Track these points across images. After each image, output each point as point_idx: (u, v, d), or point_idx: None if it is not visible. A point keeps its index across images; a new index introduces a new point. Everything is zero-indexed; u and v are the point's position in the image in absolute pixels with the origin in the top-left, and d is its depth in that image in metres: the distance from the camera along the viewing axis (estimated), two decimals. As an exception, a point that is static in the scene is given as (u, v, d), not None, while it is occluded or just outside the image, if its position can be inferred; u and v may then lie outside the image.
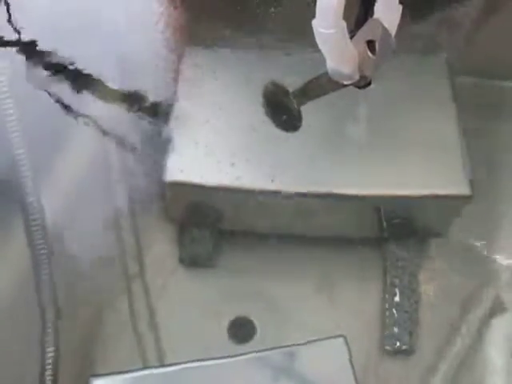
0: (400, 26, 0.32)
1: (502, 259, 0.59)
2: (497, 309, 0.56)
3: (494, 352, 0.54)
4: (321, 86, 0.33)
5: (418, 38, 0.60)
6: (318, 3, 0.28)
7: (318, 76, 0.33)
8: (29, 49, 0.58)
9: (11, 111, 0.50)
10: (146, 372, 0.46)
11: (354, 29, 0.29)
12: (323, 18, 0.28)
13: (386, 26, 0.28)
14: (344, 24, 0.28)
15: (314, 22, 0.29)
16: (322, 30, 0.29)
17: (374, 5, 0.28)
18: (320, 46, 0.30)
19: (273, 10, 0.58)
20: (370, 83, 0.31)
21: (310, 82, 0.35)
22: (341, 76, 0.31)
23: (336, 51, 0.30)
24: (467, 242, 0.59)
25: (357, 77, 0.31)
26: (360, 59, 0.30)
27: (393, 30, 0.29)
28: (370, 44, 0.29)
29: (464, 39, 0.65)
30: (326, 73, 0.32)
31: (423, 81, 0.57)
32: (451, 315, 0.55)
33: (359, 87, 0.32)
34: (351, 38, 0.29)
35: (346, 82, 0.31)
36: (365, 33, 0.29)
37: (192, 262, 0.58)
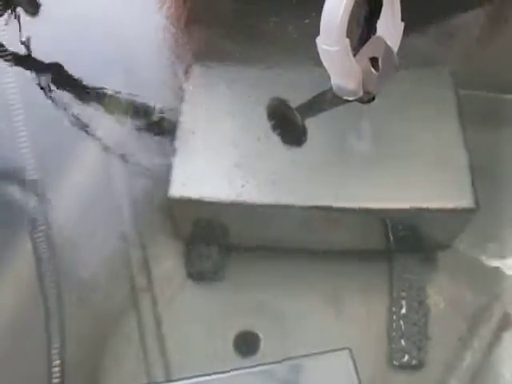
0: (403, 40, 0.32)
1: (509, 272, 0.58)
2: (507, 323, 0.56)
3: (504, 367, 0.54)
4: (325, 101, 0.34)
5: (422, 51, 0.61)
6: (321, 21, 0.29)
7: (322, 92, 0.34)
8: (35, 63, 0.59)
9: (21, 123, 0.51)
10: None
11: (357, 46, 0.29)
12: (327, 36, 0.29)
13: (389, 43, 0.29)
14: (347, 41, 0.29)
15: (318, 40, 0.30)
16: (326, 47, 0.29)
17: (376, 22, 0.29)
18: (324, 63, 0.30)
19: (277, 26, 0.59)
20: (373, 98, 0.32)
21: (315, 97, 0.35)
22: (345, 92, 0.32)
23: (340, 68, 0.30)
24: (474, 255, 0.59)
25: (361, 93, 0.31)
26: (364, 75, 0.30)
27: (395, 47, 0.29)
28: (374, 61, 0.29)
29: (469, 52, 0.66)
30: (331, 89, 0.32)
31: (427, 94, 0.58)
32: (460, 329, 0.55)
33: (363, 102, 0.32)
34: (354, 55, 0.30)
35: (350, 98, 0.32)
36: (368, 50, 0.29)
37: (199, 276, 0.59)
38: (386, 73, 0.29)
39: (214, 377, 0.44)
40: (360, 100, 0.32)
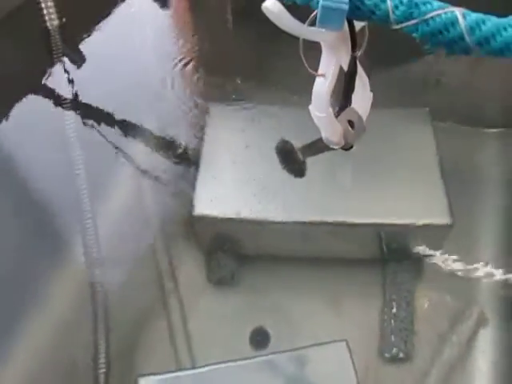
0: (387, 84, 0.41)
1: (483, 278, 0.66)
2: (481, 321, 0.64)
3: (480, 358, 0.61)
4: (318, 147, 0.44)
5: (402, 91, 0.69)
6: (312, 96, 0.40)
7: (316, 140, 0.44)
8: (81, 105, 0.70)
9: (79, 156, 0.61)
10: (181, 373, 0.55)
11: (338, 111, 0.40)
12: (316, 106, 0.40)
13: (360, 112, 0.39)
14: (331, 110, 0.40)
15: (310, 107, 0.40)
16: (317, 114, 0.40)
17: (351, 95, 0.39)
18: (316, 123, 0.41)
19: (287, 69, 0.67)
20: (351, 147, 0.42)
21: (311, 143, 0.46)
22: (331, 142, 0.42)
23: (326, 127, 0.41)
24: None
25: (342, 143, 0.42)
26: (344, 132, 0.40)
27: (364, 115, 0.39)
28: (350, 122, 0.40)
29: (448, 90, 0.74)
30: (321, 139, 0.43)
31: (408, 129, 0.67)
32: (442, 326, 0.63)
33: (345, 149, 0.42)
34: (337, 117, 0.40)
35: (335, 147, 0.42)
36: (346, 115, 0.39)
37: (218, 281, 0.67)
38: (359, 132, 0.39)
39: (226, 364, 0.52)
40: (342, 148, 0.42)
